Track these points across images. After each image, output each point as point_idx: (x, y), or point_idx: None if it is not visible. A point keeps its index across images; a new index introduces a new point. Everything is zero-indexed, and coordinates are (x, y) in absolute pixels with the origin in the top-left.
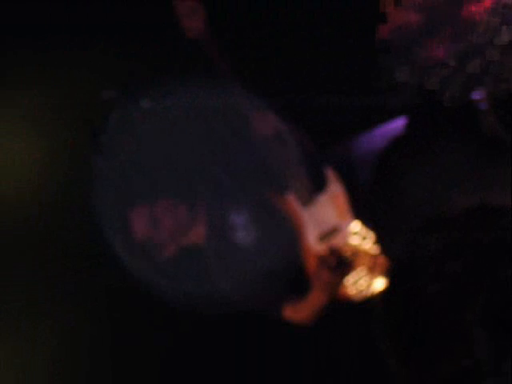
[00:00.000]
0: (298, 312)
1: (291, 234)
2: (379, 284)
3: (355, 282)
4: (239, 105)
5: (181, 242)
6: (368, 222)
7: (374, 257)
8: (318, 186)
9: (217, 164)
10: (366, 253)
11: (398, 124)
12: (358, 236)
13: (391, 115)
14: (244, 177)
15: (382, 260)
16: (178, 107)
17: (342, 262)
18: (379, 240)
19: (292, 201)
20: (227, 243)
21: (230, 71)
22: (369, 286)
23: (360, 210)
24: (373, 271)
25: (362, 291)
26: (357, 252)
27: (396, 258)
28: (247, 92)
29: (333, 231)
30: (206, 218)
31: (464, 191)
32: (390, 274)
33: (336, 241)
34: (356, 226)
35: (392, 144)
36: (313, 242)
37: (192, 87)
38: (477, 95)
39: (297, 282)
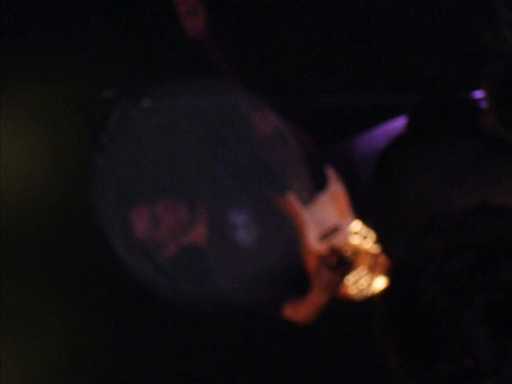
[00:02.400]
0: (298, 311)
1: (292, 234)
2: (380, 283)
3: (356, 282)
4: (239, 105)
5: (181, 241)
6: (368, 221)
7: (375, 256)
8: (318, 185)
9: (217, 164)
10: (366, 252)
11: (399, 123)
12: (359, 235)
13: (392, 114)
14: (244, 176)
15: (383, 259)
16: (178, 107)
17: (342, 262)
18: (379, 240)
19: (292, 200)
20: (228, 243)
21: (230, 71)
22: (369, 285)
23: (360, 210)
24: (373, 271)
25: (362, 291)
26: (357, 251)
27: (396, 257)
28: (247, 92)
29: (333, 231)
30: (207, 217)
31: (464, 191)
32: (391, 273)
33: (336, 240)
34: (356, 225)
35: (392, 143)
36: (313, 242)
37: (192, 87)
38: (477, 95)
39: (297, 281)
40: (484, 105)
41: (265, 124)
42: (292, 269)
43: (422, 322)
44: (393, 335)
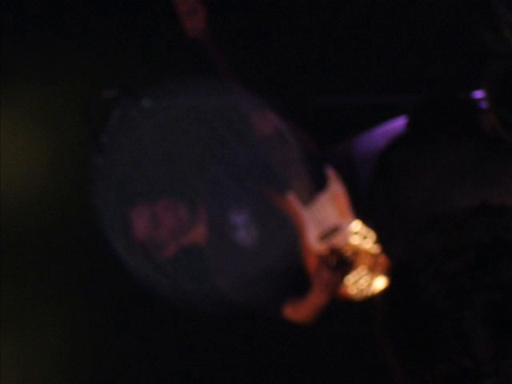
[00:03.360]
0: (298, 311)
1: (292, 234)
2: (380, 283)
3: (356, 282)
4: (239, 105)
5: (181, 241)
6: (368, 221)
7: (375, 256)
8: (318, 185)
9: (217, 164)
10: (366, 252)
11: (399, 123)
12: (359, 235)
13: (392, 114)
14: (244, 176)
15: (383, 259)
16: (178, 107)
17: (342, 262)
18: (379, 240)
19: (293, 200)
20: (228, 243)
21: (230, 71)
22: (369, 285)
23: (360, 210)
24: (373, 271)
25: (362, 291)
26: (357, 251)
27: (396, 257)
28: (247, 92)
29: (333, 231)
30: (207, 217)
31: (464, 191)
32: (391, 273)
33: (336, 240)
34: (356, 225)
35: (392, 143)
36: (313, 242)
37: (192, 87)
38: (477, 95)
39: (297, 281)
40: (484, 105)
41: (265, 124)
42: (292, 269)
43: (422, 322)
44: (393, 335)
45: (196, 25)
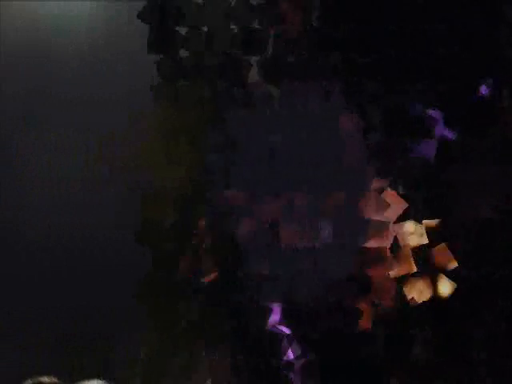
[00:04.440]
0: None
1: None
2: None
3: (414, 285)
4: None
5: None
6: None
7: (432, 256)
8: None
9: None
10: (421, 251)
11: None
12: (415, 235)
13: None
14: (328, 178)
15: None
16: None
17: (398, 261)
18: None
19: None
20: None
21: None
22: (428, 288)
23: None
24: (431, 273)
25: (421, 293)
26: (414, 251)
27: None
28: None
29: (389, 228)
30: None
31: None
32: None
33: (395, 239)
34: (412, 225)
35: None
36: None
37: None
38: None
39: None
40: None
41: (350, 123)
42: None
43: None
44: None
45: None
